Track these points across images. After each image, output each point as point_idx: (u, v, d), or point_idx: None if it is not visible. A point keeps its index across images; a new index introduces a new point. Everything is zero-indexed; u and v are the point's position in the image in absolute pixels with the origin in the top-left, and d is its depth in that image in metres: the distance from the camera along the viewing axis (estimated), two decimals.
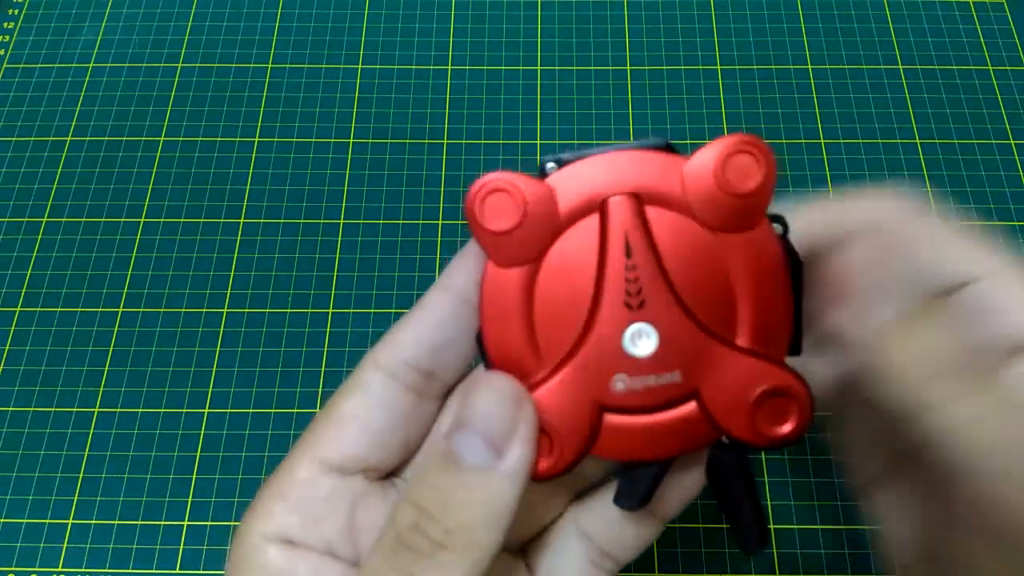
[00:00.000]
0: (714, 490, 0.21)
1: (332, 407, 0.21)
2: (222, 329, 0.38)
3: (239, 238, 0.40)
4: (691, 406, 0.19)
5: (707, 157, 0.19)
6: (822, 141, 0.41)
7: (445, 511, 0.17)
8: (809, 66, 0.44)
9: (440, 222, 0.40)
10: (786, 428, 0.19)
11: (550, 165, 0.19)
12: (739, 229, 0.19)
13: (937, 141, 0.42)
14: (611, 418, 0.19)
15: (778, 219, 0.20)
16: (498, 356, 0.19)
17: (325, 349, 0.37)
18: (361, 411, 0.21)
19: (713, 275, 0.19)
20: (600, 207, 0.19)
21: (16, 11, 0.47)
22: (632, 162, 0.19)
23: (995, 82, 0.43)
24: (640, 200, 0.19)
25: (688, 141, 0.42)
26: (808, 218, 0.21)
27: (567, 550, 0.23)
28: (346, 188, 0.41)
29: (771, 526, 0.33)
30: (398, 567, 0.17)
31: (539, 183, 0.19)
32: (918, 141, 0.42)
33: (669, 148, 0.19)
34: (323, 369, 0.37)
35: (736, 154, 0.19)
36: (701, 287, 0.19)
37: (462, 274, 0.21)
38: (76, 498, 0.34)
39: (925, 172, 0.41)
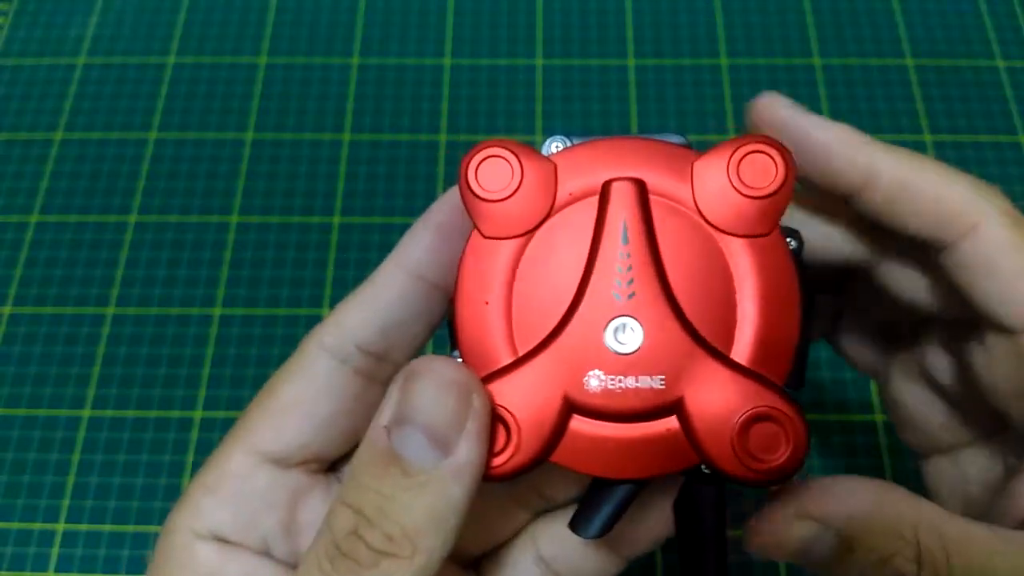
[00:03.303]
0: (677, 524, 0.19)
1: (271, 393, 0.20)
2: (214, 331, 0.37)
3: (231, 238, 0.39)
4: (670, 422, 0.17)
5: (722, 153, 0.18)
6: None
7: (386, 516, 0.16)
8: (816, 60, 0.43)
9: None
10: (774, 461, 0.16)
11: (556, 144, 0.18)
12: (749, 235, 0.17)
13: (946, 137, 0.41)
14: (579, 422, 0.17)
15: (793, 233, 0.18)
16: (467, 337, 0.18)
17: None
18: (304, 398, 0.19)
19: (714, 280, 0.17)
20: (601, 190, 0.18)
21: (6, 6, 0.46)
22: (641, 150, 0.18)
23: (1004, 77, 0.43)
24: (644, 188, 0.18)
25: (692, 136, 0.41)
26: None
27: (521, 572, 0.22)
28: (341, 186, 0.40)
29: None
30: None
31: (540, 156, 0.18)
32: (927, 138, 0.41)
33: (685, 146, 0.18)
34: None
35: (753, 153, 0.18)
36: (699, 290, 0.17)
37: (418, 248, 0.19)
38: (66, 503, 0.34)
39: None
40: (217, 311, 0.38)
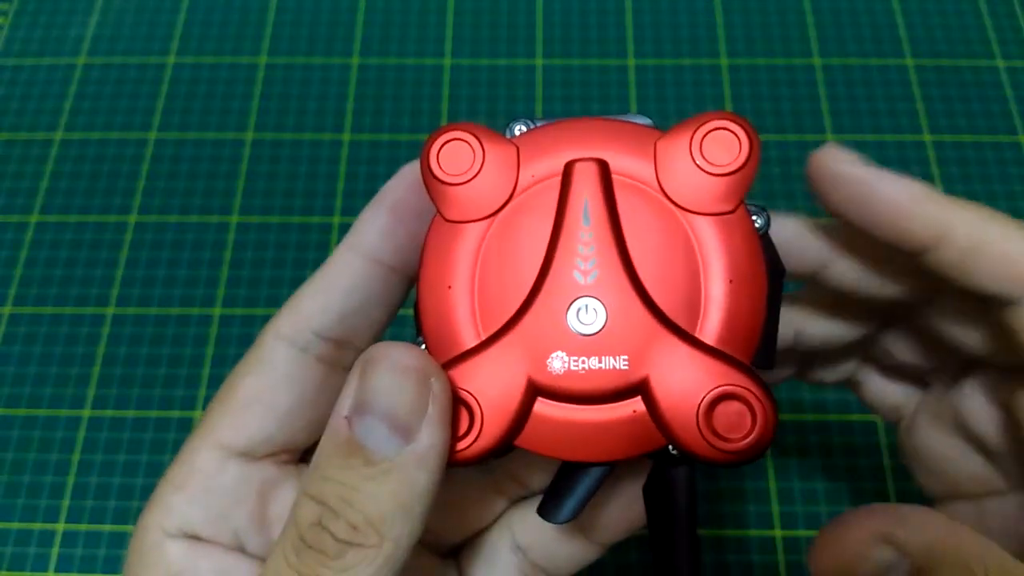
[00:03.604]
0: (648, 511, 0.19)
1: (231, 387, 0.19)
2: (214, 331, 0.37)
3: (231, 238, 0.39)
4: (636, 403, 0.17)
5: (684, 131, 0.18)
6: (829, 137, 0.41)
7: (349, 506, 0.16)
8: (816, 60, 0.43)
9: None
10: (742, 441, 0.16)
11: (519, 128, 0.18)
12: (713, 213, 0.17)
13: (946, 137, 0.41)
14: (544, 405, 0.17)
15: (759, 211, 0.18)
16: (431, 321, 0.18)
17: None
18: (264, 390, 0.19)
19: (678, 259, 0.17)
20: (564, 170, 0.18)
21: (6, 6, 0.46)
22: (603, 130, 0.18)
23: (1004, 77, 0.43)
24: (607, 168, 0.18)
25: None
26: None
27: (498, 560, 0.22)
28: (341, 186, 0.40)
29: (778, 532, 0.33)
30: (302, 570, 0.16)
31: (502, 139, 0.18)
32: (927, 138, 0.41)
33: (650, 127, 0.18)
34: None
35: (716, 131, 0.17)
36: (663, 270, 0.17)
37: (373, 230, 0.19)
38: (66, 503, 0.34)
39: (935, 169, 0.40)
40: (217, 311, 0.38)
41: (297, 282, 0.38)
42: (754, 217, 0.18)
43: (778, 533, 0.33)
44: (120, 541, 0.33)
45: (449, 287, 0.18)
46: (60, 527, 0.33)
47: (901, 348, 0.23)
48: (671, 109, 0.42)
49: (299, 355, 0.19)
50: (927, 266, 0.19)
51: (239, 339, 0.37)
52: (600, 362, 0.17)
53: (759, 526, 0.33)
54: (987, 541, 0.18)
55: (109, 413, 0.36)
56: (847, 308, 0.22)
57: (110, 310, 0.38)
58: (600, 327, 0.17)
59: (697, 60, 0.44)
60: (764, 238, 0.18)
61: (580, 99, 0.42)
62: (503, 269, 0.18)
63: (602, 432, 0.17)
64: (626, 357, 0.17)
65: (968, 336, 0.20)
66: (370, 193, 0.42)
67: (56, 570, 0.33)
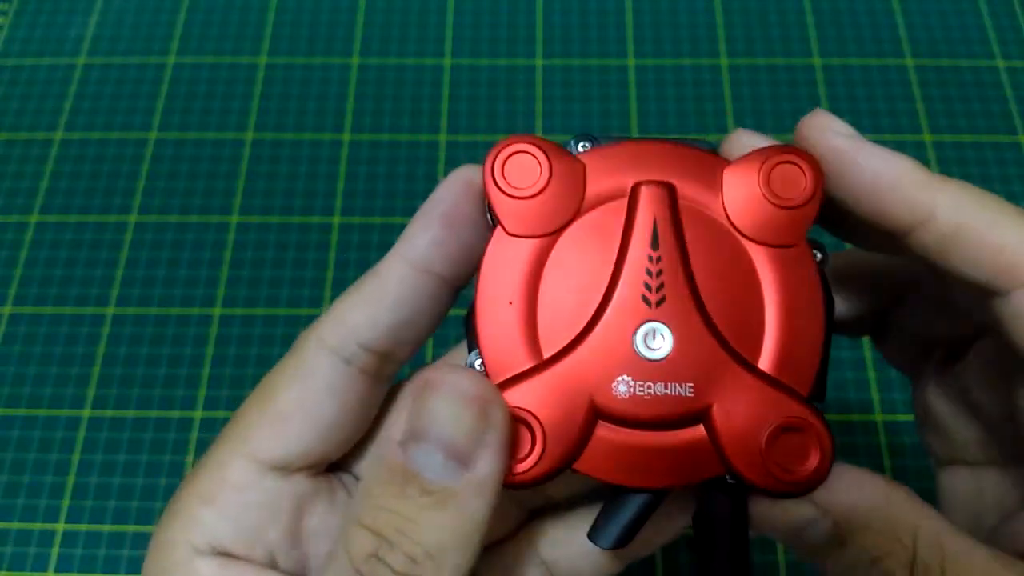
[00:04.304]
0: (698, 540, 0.18)
1: (270, 396, 0.19)
2: (214, 331, 0.37)
3: (231, 238, 0.39)
4: (696, 431, 0.17)
5: (752, 162, 0.18)
6: None
7: (406, 537, 0.15)
8: (816, 60, 0.43)
9: None
10: (802, 472, 0.16)
11: (583, 144, 0.18)
12: (777, 244, 0.17)
13: (946, 137, 0.41)
14: (604, 429, 0.17)
15: (818, 246, 0.18)
16: (490, 338, 0.17)
17: None
18: (307, 401, 0.18)
19: (743, 288, 0.17)
20: (631, 191, 0.17)
21: (6, 6, 0.46)
22: (670, 154, 0.18)
23: (1004, 77, 0.43)
24: (674, 192, 0.17)
25: (692, 137, 0.41)
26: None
27: (523, 574, 0.21)
28: (341, 186, 0.40)
29: None
30: None
31: (569, 155, 0.18)
32: (927, 138, 0.41)
33: (709, 147, 0.18)
34: None
35: (783, 164, 0.18)
36: (728, 298, 0.17)
37: (424, 240, 0.18)
38: (66, 503, 0.34)
39: (934, 169, 0.40)
40: (217, 311, 0.38)
41: (297, 282, 0.38)
42: (815, 251, 0.18)
43: None
44: (120, 541, 0.33)
45: (510, 303, 0.17)
46: (60, 527, 0.33)
47: (911, 321, 0.22)
48: (671, 109, 0.42)
49: (343, 366, 0.18)
50: (908, 247, 0.18)
51: (239, 339, 0.37)
52: (666, 388, 0.17)
53: None
54: (928, 510, 0.17)
55: (109, 413, 0.36)
56: (854, 283, 0.22)
57: (110, 310, 0.38)
58: (666, 353, 0.17)
59: (697, 60, 0.44)
60: (821, 273, 0.18)
61: (580, 99, 0.43)
62: (567, 287, 0.17)
63: (660, 458, 0.17)
64: (692, 384, 0.17)
65: (968, 307, 0.20)
66: (370, 193, 0.42)
67: (56, 570, 0.33)
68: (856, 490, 0.18)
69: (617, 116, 0.42)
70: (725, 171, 0.18)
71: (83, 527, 0.33)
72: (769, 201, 0.17)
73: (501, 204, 0.17)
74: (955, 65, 0.43)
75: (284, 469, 0.18)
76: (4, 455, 0.35)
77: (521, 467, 0.16)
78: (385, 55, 0.44)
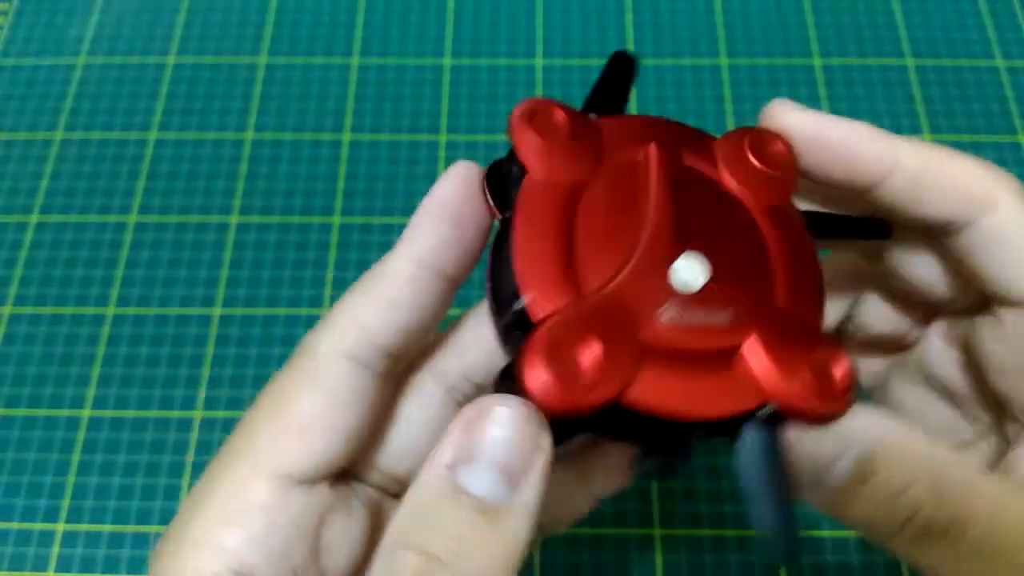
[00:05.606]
0: (742, 478, 0.18)
1: (285, 408, 0.18)
2: (214, 331, 0.37)
3: (231, 238, 0.39)
4: (737, 364, 0.17)
5: (738, 136, 0.20)
6: None
7: (459, 557, 0.15)
8: (816, 60, 0.43)
9: None
10: (836, 394, 0.17)
11: (591, 115, 0.19)
12: (770, 204, 0.19)
13: (946, 137, 0.41)
14: (651, 364, 0.17)
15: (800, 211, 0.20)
16: (531, 274, 0.17)
17: None
18: (328, 409, 0.18)
19: (749, 238, 0.19)
20: (649, 150, 0.19)
21: (6, 6, 0.46)
22: (671, 126, 0.20)
23: (1004, 77, 0.43)
24: (686, 154, 0.19)
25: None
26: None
27: None
28: (341, 186, 0.40)
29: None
30: None
31: (584, 115, 0.19)
32: (927, 138, 0.41)
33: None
34: None
35: (765, 138, 0.20)
36: (743, 245, 0.18)
37: (434, 240, 0.18)
38: (66, 503, 0.34)
39: None
40: (217, 311, 0.38)
41: (297, 282, 0.38)
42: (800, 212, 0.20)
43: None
44: (120, 541, 0.33)
45: (547, 241, 0.17)
46: (60, 527, 0.33)
47: (874, 317, 0.23)
48: (671, 109, 0.42)
49: (361, 370, 0.18)
50: (879, 201, 0.19)
51: (239, 339, 0.37)
52: (707, 316, 0.17)
53: None
54: (939, 446, 0.18)
55: (109, 413, 0.36)
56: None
57: (110, 310, 0.38)
58: (703, 284, 0.17)
59: (697, 60, 0.44)
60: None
61: (580, 99, 0.42)
62: (600, 228, 0.18)
63: (704, 389, 0.17)
64: (729, 314, 0.17)
65: (928, 276, 0.21)
66: (370, 193, 0.42)
67: (56, 570, 0.33)
68: (875, 423, 0.18)
69: None
70: (716, 144, 0.20)
71: (83, 527, 0.33)
72: (758, 167, 0.19)
73: (531, 149, 0.18)
74: (955, 65, 0.43)
75: (308, 483, 0.18)
76: (4, 455, 0.35)
77: (574, 395, 0.16)
78: (385, 55, 0.44)
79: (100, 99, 0.43)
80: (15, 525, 0.33)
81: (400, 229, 0.19)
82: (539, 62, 0.44)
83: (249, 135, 0.42)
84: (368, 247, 0.39)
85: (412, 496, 0.16)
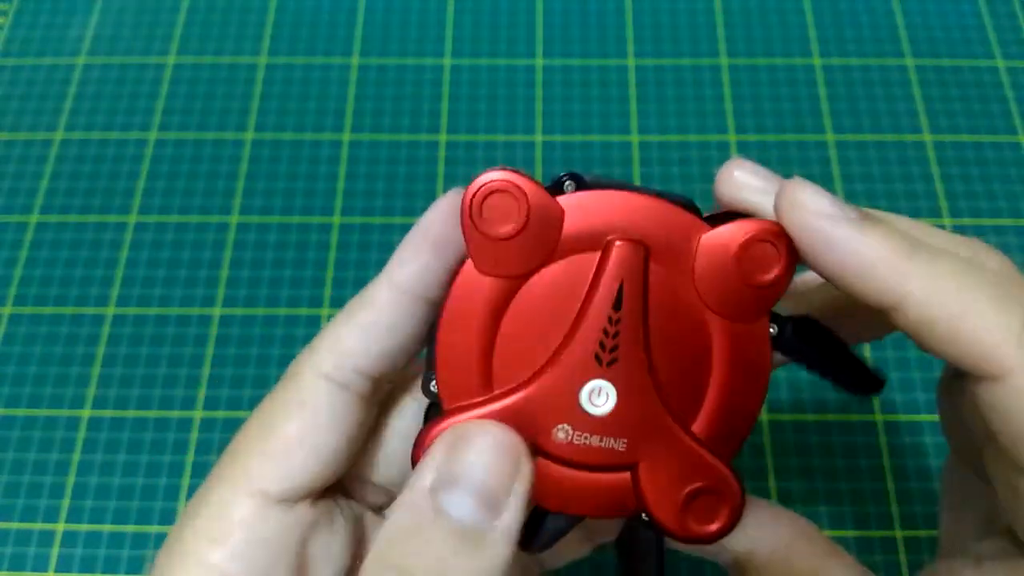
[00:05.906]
0: (621, 566, 0.20)
1: (270, 429, 0.19)
2: (214, 331, 0.37)
3: (231, 237, 0.39)
4: (623, 476, 0.18)
5: (730, 236, 0.18)
6: (829, 138, 0.41)
7: None
8: (816, 60, 0.43)
9: None
10: (711, 528, 0.18)
11: (568, 183, 0.18)
12: (738, 319, 0.18)
13: (946, 137, 0.41)
14: (541, 463, 0.18)
15: (777, 319, 0.18)
16: (447, 365, 0.18)
17: None
18: (309, 431, 0.18)
19: (695, 354, 0.18)
20: (604, 247, 0.18)
21: (6, 6, 0.46)
22: (650, 211, 0.18)
23: (1004, 77, 0.43)
24: (647, 254, 0.18)
25: (692, 137, 0.41)
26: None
27: None
28: (341, 186, 0.40)
29: None
30: None
31: (549, 198, 0.18)
32: (927, 138, 0.41)
33: (692, 206, 0.18)
34: None
35: (760, 242, 0.18)
36: (679, 361, 0.18)
37: (416, 267, 0.19)
38: (66, 503, 0.34)
39: (935, 169, 0.40)
40: (217, 311, 0.38)
41: (297, 282, 0.38)
42: (772, 326, 0.18)
43: None
44: (120, 541, 0.33)
45: (470, 335, 0.18)
46: (60, 527, 0.33)
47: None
48: (671, 109, 0.42)
49: (341, 393, 0.19)
50: (890, 324, 0.18)
51: (239, 339, 0.37)
52: (601, 441, 0.18)
53: None
54: (831, 562, 0.18)
55: (109, 413, 0.36)
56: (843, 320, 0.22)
57: (110, 310, 0.38)
58: (608, 411, 0.18)
59: (697, 60, 0.43)
60: (775, 345, 0.19)
61: (580, 99, 0.42)
62: (526, 332, 0.18)
63: (588, 493, 0.18)
64: (626, 440, 0.18)
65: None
66: (370, 193, 0.42)
67: (56, 570, 0.33)
68: (763, 530, 0.19)
69: (617, 116, 0.42)
70: (702, 239, 0.18)
71: (83, 527, 0.33)
72: (739, 279, 0.18)
73: (476, 242, 0.18)
74: (955, 65, 0.43)
75: (289, 501, 0.18)
76: (4, 455, 0.35)
77: None
78: (385, 55, 0.44)
79: (100, 99, 0.43)
80: (15, 525, 0.33)
81: (400, 229, 0.19)
82: (539, 62, 0.44)
83: (249, 135, 0.42)
84: (368, 247, 0.39)
85: (394, 517, 0.16)
